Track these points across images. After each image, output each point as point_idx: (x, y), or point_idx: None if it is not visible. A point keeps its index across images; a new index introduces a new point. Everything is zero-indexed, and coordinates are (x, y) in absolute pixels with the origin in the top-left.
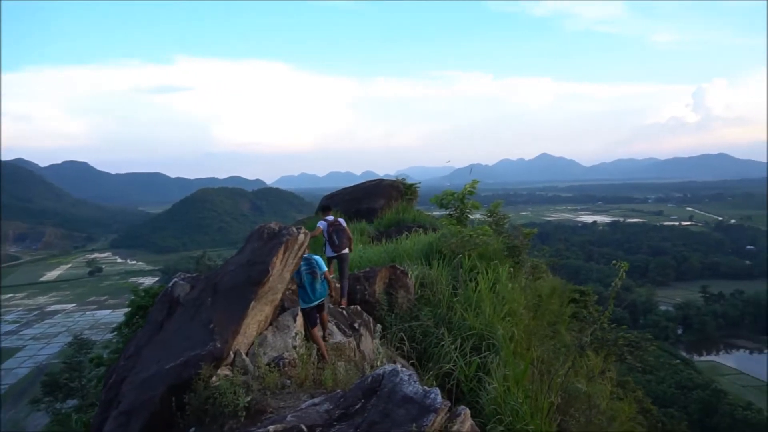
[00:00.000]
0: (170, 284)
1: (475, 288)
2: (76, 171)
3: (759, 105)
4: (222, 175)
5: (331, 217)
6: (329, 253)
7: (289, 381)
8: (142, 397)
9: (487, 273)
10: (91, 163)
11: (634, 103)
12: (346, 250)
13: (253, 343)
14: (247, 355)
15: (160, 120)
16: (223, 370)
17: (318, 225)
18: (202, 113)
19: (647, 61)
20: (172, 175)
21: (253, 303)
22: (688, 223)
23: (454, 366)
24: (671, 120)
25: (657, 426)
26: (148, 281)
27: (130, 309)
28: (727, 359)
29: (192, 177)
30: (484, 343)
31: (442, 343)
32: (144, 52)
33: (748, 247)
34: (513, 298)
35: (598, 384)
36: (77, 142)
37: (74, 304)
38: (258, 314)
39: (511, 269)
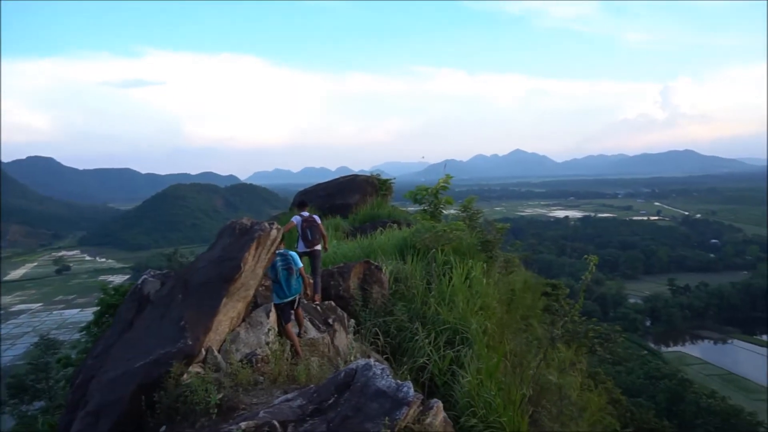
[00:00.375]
0: (140, 281)
1: (449, 282)
2: (41, 167)
3: (721, 103)
4: (194, 171)
5: (306, 213)
6: (301, 248)
7: (262, 377)
8: (110, 397)
9: (460, 268)
10: (58, 159)
11: (605, 101)
12: (319, 247)
13: (225, 340)
14: (219, 352)
15: (130, 115)
16: (195, 368)
17: (292, 220)
18: (173, 108)
19: (617, 60)
20: (143, 170)
21: (225, 299)
22: (656, 217)
23: (428, 360)
24: (640, 117)
25: (626, 415)
26: (118, 279)
27: (99, 308)
28: (692, 349)
29: (163, 173)
30: (457, 337)
31: (416, 337)
32: (113, 45)
33: (713, 240)
34: (486, 293)
35: (569, 376)
36: (42, 137)
37: (40, 304)
38: (230, 311)
39: (485, 264)
